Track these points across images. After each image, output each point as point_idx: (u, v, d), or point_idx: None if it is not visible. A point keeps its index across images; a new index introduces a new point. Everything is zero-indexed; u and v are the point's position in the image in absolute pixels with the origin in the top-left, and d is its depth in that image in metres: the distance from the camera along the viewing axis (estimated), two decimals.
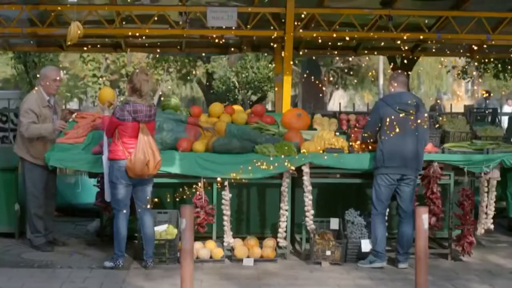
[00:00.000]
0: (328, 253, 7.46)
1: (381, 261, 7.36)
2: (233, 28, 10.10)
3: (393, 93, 7.43)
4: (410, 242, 7.35)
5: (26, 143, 7.83)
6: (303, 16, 10.14)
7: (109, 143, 7.10)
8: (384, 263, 7.37)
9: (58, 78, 7.92)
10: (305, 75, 20.20)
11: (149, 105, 7.00)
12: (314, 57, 19.92)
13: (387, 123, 7.27)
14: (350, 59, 28.59)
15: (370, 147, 7.74)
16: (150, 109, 6.99)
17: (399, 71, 8.01)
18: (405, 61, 19.14)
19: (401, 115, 7.24)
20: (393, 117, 7.26)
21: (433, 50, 12.62)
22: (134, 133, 6.92)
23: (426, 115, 7.54)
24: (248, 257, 7.49)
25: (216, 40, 10.75)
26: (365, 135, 7.62)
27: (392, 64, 19.74)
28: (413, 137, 7.27)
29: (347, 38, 10.84)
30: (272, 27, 10.34)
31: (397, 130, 7.22)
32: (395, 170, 7.28)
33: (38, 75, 8.19)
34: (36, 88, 7.98)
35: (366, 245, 7.49)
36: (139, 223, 7.23)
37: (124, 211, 7.09)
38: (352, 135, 7.99)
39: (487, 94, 20.85)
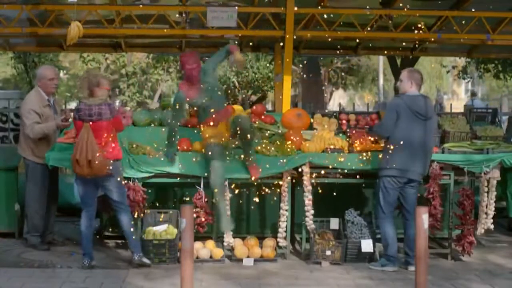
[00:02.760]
0: (328, 253, 7.45)
1: (393, 266, 7.24)
2: (233, 28, 10.10)
3: (411, 95, 7.25)
4: None
5: (30, 144, 7.85)
6: (303, 16, 10.15)
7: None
8: (396, 268, 7.23)
9: (54, 77, 7.96)
10: (305, 75, 20.21)
11: (91, 104, 6.97)
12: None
13: (402, 126, 7.12)
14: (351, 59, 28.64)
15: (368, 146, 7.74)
16: (90, 108, 6.97)
17: (413, 68, 7.94)
18: (405, 61, 19.20)
19: (417, 119, 7.13)
20: (408, 119, 7.13)
21: (433, 50, 12.64)
22: (79, 131, 7.05)
23: (436, 123, 7.52)
24: (248, 257, 7.49)
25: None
26: (383, 132, 7.30)
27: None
28: (423, 141, 7.19)
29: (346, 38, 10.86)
30: (272, 27, 10.34)
31: (410, 133, 7.11)
32: (404, 173, 7.17)
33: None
34: (34, 89, 8.01)
35: (366, 245, 7.48)
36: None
37: (86, 210, 7.16)
38: (352, 136, 7.99)
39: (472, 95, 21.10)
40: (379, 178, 7.32)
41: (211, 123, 7.42)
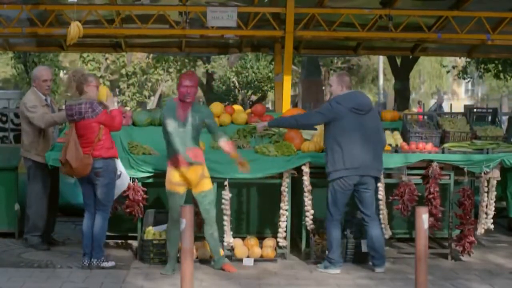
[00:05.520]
0: (328, 253, 7.45)
1: (335, 268, 7.14)
2: (233, 28, 10.11)
3: (345, 94, 7.12)
4: (382, 245, 7.24)
5: (32, 143, 7.86)
6: (303, 16, 10.17)
7: None
8: (338, 271, 7.13)
9: (47, 78, 7.96)
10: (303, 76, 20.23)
11: (72, 103, 6.96)
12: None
13: (342, 125, 6.99)
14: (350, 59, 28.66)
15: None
16: (71, 107, 6.97)
17: (342, 71, 7.96)
18: (405, 61, 19.23)
19: (356, 115, 7.00)
20: (348, 118, 6.99)
21: (433, 50, 12.65)
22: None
23: (378, 115, 7.40)
24: (248, 257, 7.49)
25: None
26: (310, 121, 7.29)
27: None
28: (368, 135, 7.06)
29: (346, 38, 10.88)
30: (272, 27, 10.35)
31: (352, 131, 6.98)
32: (353, 172, 7.01)
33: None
34: (31, 89, 8.05)
35: (366, 245, 7.47)
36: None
37: (87, 210, 7.15)
38: None
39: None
40: (329, 182, 7.17)
41: (181, 164, 6.85)
